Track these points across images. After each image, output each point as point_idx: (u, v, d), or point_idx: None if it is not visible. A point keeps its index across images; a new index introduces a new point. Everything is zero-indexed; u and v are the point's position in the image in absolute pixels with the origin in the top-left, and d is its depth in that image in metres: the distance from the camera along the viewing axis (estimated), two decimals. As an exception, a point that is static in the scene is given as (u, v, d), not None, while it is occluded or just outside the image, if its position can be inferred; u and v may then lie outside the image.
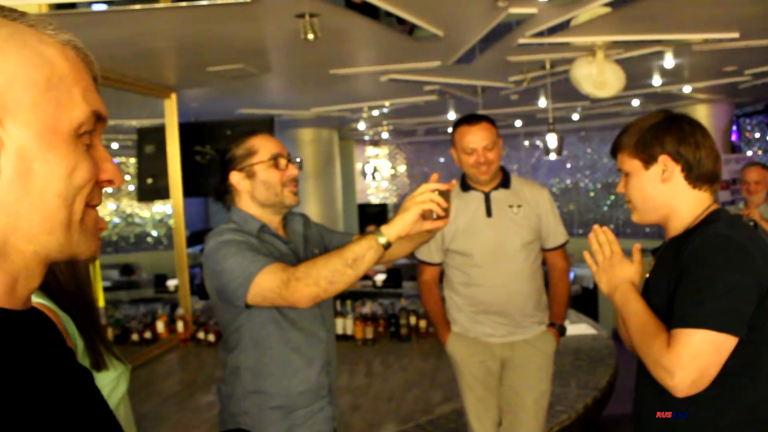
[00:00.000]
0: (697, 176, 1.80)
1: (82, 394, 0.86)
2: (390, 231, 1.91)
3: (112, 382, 1.58)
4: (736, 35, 5.37)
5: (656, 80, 7.54)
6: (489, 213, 3.20)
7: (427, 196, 1.91)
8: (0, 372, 0.71)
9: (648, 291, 1.85)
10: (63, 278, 1.52)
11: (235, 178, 2.28)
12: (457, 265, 3.25)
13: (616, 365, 5.26)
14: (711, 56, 6.36)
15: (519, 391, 3.26)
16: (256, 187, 2.28)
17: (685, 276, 1.66)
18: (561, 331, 3.38)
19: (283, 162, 2.30)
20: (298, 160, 2.38)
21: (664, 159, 1.80)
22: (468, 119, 3.21)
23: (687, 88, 8.44)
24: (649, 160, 1.82)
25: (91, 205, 0.81)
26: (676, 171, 1.80)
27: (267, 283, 1.97)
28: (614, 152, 1.93)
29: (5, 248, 0.75)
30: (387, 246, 1.91)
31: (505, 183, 3.27)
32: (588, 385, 4.78)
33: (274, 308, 2.16)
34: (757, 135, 11.39)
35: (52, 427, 0.75)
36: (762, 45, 5.81)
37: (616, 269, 1.88)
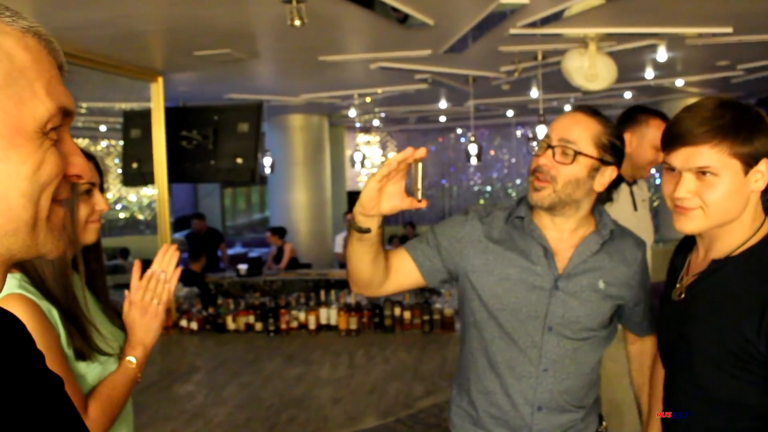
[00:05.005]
0: None
1: (47, 400, 0.81)
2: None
3: (96, 370, 1.54)
4: (729, 30, 5.31)
5: (649, 73, 7.49)
6: (635, 206, 2.99)
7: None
8: None
9: (690, 321, 1.54)
10: (44, 269, 1.48)
11: None
12: None
13: None
14: (704, 50, 6.31)
15: None
16: None
17: None
18: None
19: None
20: None
21: (765, 163, 1.44)
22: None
23: (680, 82, 8.40)
24: (751, 163, 1.42)
25: (57, 200, 0.75)
26: (766, 179, 1.45)
27: None
28: (685, 142, 1.46)
29: None
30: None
31: None
32: None
33: None
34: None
35: None
36: (755, 40, 5.76)
37: None
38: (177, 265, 1.77)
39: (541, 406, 1.80)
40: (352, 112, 10.10)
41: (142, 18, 4.70)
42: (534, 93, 8.30)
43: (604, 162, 1.72)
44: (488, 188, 14.02)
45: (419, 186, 1.52)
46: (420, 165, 1.51)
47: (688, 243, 1.68)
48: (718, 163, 1.43)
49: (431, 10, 4.64)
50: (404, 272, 1.82)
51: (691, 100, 1.55)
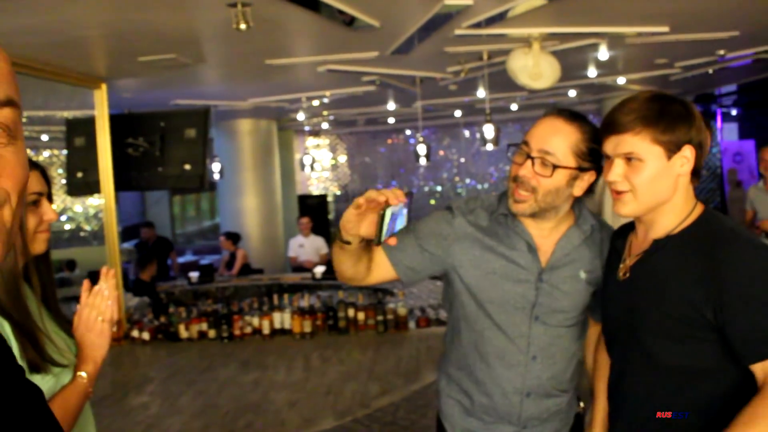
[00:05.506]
0: (698, 169, 1.62)
1: (30, 412, 0.82)
2: None
3: (49, 383, 1.53)
4: (666, 29, 5.48)
5: (591, 71, 7.66)
6: None
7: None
8: None
9: (639, 294, 1.65)
10: None
11: None
12: None
13: None
14: (643, 49, 6.48)
15: None
16: None
17: (743, 299, 1.47)
18: None
19: None
20: None
21: (689, 149, 1.58)
22: None
23: (621, 80, 8.60)
24: (674, 149, 1.57)
25: None
26: (691, 163, 1.60)
27: None
28: (614, 131, 1.61)
29: None
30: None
31: None
32: None
33: None
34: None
35: None
36: (690, 39, 5.94)
37: None
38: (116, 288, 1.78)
39: (530, 393, 1.90)
40: (301, 116, 10.06)
41: (83, 23, 4.61)
42: (481, 93, 8.41)
43: (582, 169, 1.79)
44: (438, 188, 14.14)
45: (380, 232, 1.49)
46: (388, 211, 1.48)
47: (627, 228, 1.81)
48: (640, 149, 1.59)
49: (377, 12, 4.66)
50: (384, 267, 1.90)
51: (634, 98, 1.67)
